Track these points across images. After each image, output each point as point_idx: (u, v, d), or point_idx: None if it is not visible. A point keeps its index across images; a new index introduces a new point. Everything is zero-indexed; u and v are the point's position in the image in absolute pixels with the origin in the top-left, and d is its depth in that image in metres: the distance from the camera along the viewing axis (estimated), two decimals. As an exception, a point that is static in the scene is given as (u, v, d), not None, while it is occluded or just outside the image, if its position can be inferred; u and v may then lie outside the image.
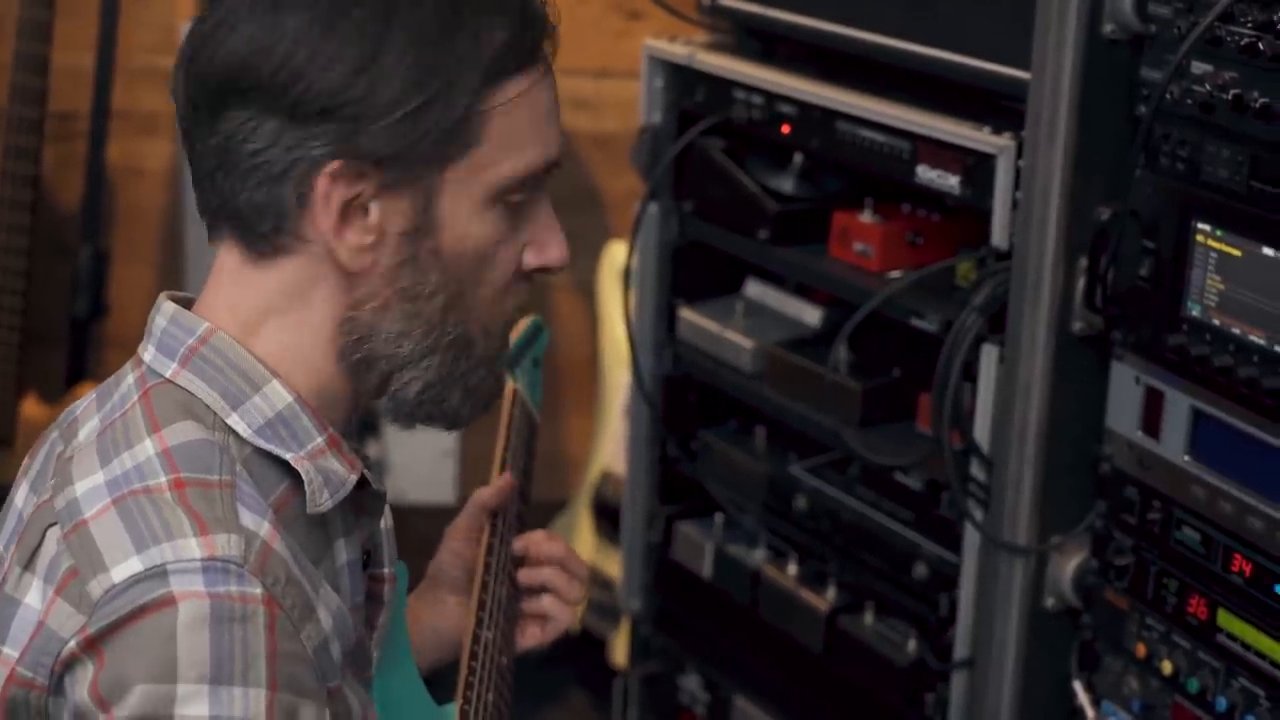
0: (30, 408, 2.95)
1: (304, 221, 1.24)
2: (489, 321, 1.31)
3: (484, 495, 1.66)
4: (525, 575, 1.64)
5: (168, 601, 1.15)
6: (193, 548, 1.17)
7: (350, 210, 1.24)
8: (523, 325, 1.94)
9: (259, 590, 1.17)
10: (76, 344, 3.08)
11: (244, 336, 1.27)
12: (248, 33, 1.23)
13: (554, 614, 1.64)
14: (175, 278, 3.20)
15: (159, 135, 3.19)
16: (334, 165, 1.22)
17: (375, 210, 1.24)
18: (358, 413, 1.33)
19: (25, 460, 1.34)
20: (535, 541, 1.66)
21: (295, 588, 1.21)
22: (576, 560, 1.65)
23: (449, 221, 1.26)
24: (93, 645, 1.16)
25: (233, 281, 1.28)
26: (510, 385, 1.85)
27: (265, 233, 1.25)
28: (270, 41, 1.22)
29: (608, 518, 3.00)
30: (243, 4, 1.24)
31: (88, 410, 1.31)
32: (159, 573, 1.16)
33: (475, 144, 1.24)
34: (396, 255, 1.25)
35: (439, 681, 1.61)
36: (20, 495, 1.31)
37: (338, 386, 1.29)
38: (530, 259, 1.31)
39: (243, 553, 1.18)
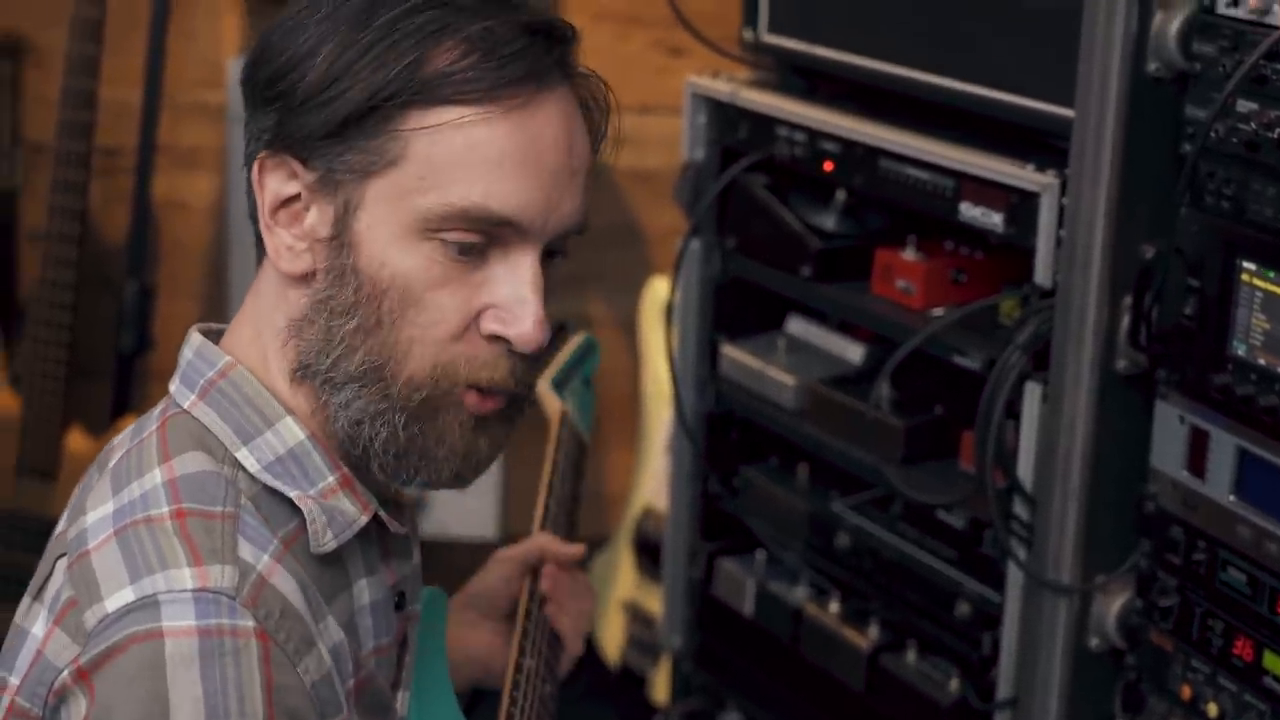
0: (75, 441, 2.97)
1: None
2: (415, 370, 1.24)
3: (551, 544, 1.66)
4: (545, 584, 1.66)
5: (155, 634, 1.14)
6: (185, 578, 1.17)
7: (290, 211, 1.26)
8: (573, 343, 1.94)
9: (250, 623, 1.16)
10: (121, 378, 3.10)
11: (251, 355, 1.29)
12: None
13: (568, 637, 1.65)
14: (219, 312, 3.22)
15: (204, 170, 3.22)
16: (262, 154, 1.26)
17: (311, 214, 1.25)
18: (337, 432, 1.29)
19: (73, 493, 1.35)
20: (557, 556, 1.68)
21: (292, 621, 1.19)
22: (588, 589, 1.68)
23: (366, 239, 1.23)
24: (84, 676, 1.16)
25: (249, 290, 1.32)
26: (558, 406, 1.85)
27: (253, 225, 1.29)
28: (262, 36, 1.28)
29: (649, 554, 3.00)
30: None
31: (122, 442, 1.32)
32: (150, 603, 1.16)
33: (396, 163, 1.22)
34: (324, 263, 1.25)
35: (480, 710, 1.61)
36: (60, 528, 1.32)
37: (304, 403, 1.28)
38: (491, 324, 1.25)
39: (235, 584, 1.17)
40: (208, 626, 1.15)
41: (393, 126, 1.21)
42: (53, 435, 2.95)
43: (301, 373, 1.27)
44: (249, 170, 1.28)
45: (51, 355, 2.94)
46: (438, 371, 1.24)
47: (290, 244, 1.26)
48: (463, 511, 3.39)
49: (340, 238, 1.24)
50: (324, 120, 1.22)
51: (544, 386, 1.85)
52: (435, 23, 1.22)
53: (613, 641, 3.11)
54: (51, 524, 1.34)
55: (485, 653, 1.62)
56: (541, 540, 1.67)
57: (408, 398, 1.24)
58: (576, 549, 1.67)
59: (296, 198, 1.25)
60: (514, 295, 1.24)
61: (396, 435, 1.25)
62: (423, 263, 1.23)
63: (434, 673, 1.49)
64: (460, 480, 1.29)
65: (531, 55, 1.23)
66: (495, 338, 1.25)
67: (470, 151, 1.21)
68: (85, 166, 2.91)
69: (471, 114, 1.21)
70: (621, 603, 3.09)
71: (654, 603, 2.90)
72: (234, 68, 3.14)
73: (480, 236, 1.23)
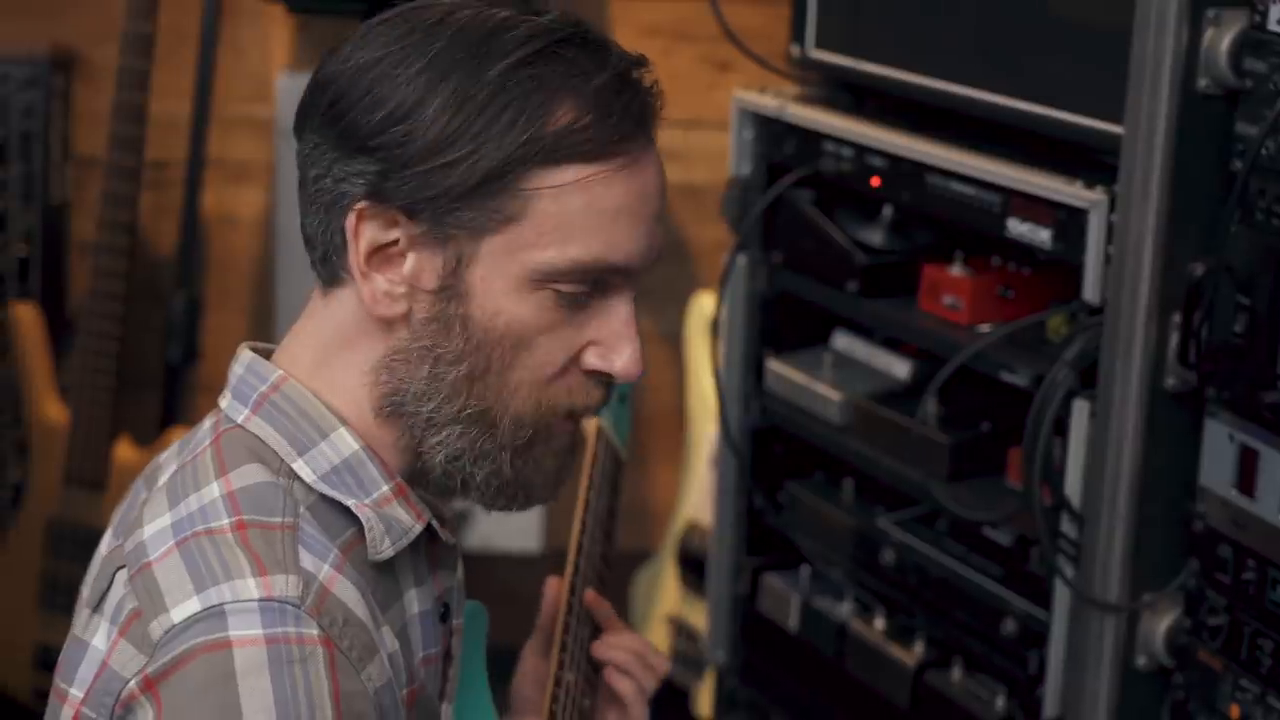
0: (124, 451, 2.98)
1: (347, 255, 1.26)
2: (521, 409, 1.28)
3: (547, 610, 1.63)
4: (600, 650, 1.62)
5: (223, 644, 1.15)
6: (250, 588, 1.17)
7: (384, 255, 1.25)
8: None
9: (316, 631, 1.17)
10: (170, 389, 3.12)
11: (314, 378, 1.29)
12: (334, 60, 1.26)
13: (629, 700, 1.61)
14: (265, 324, 3.24)
15: (252, 184, 3.23)
16: (362, 204, 1.24)
17: (411, 260, 1.25)
18: (423, 464, 1.31)
19: (116, 509, 1.36)
20: (613, 628, 1.63)
21: (355, 629, 1.21)
22: (655, 654, 1.64)
23: (479, 291, 1.25)
24: (151, 686, 1.17)
25: (309, 313, 1.31)
26: (596, 423, 1.85)
27: (321, 259, 1.28)
28: (340, 71, 1.25)
29: (693, 569, 3.00)
30: (356, 35, 1.27)
31: (169, 458, 1.34)
32: (217, 613, 1.17)
33: (515, 220, 1.23)
34: (426, 311, 1.25)
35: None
36: (105, 543, 1.33)
37: (386, 435, 1.29)
38: (593, 360, 1.29)
39: (300, 593, 1.18)
40: (274, 635, 1.16)
41: (515, 187, 1.23)
42: (101, 446, 2.97)
43: (391, 410, 1.28)
44: (325, 212, 1.26)
45: (100, 366, 2.96)
46: (542, 408, 1.28)
47: (388, 289, 1.26)
48: (506, 525, 3.39)
49: (451, 289, 1.25)
50: (446, 184, 1.22)
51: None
52: (549, 80, 1.23)
53: (656, 656, 3.11)
54: (99, 534, 1.35)
55: None
56: (548, 618, 1.64)
57: (514, 435, 1.28)
58: (554, 596, 1.64)
59: (393, 243, 1.25)
60: (616, 333, 1.29)
61: (501, 470, 1.29)
62: (535, 310, 1.25)
63: (475, 686, 1.49)
64: (548, 500, 1.34)
65: (635, 108, 1.26)
66: (594, 371, 1.29)
67: (589, 208, 1.24)
68: (135, 180, 2.94)
69: (591, 172, 1.24)
70: (666, 617, 3.09)
71: (698, 617, 2.90)
72: (283, 82, 3.15)
73: (591, 285, 1.27)
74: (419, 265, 1.25)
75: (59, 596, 2.98)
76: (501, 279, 1.24)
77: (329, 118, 1.25)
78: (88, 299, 2.98)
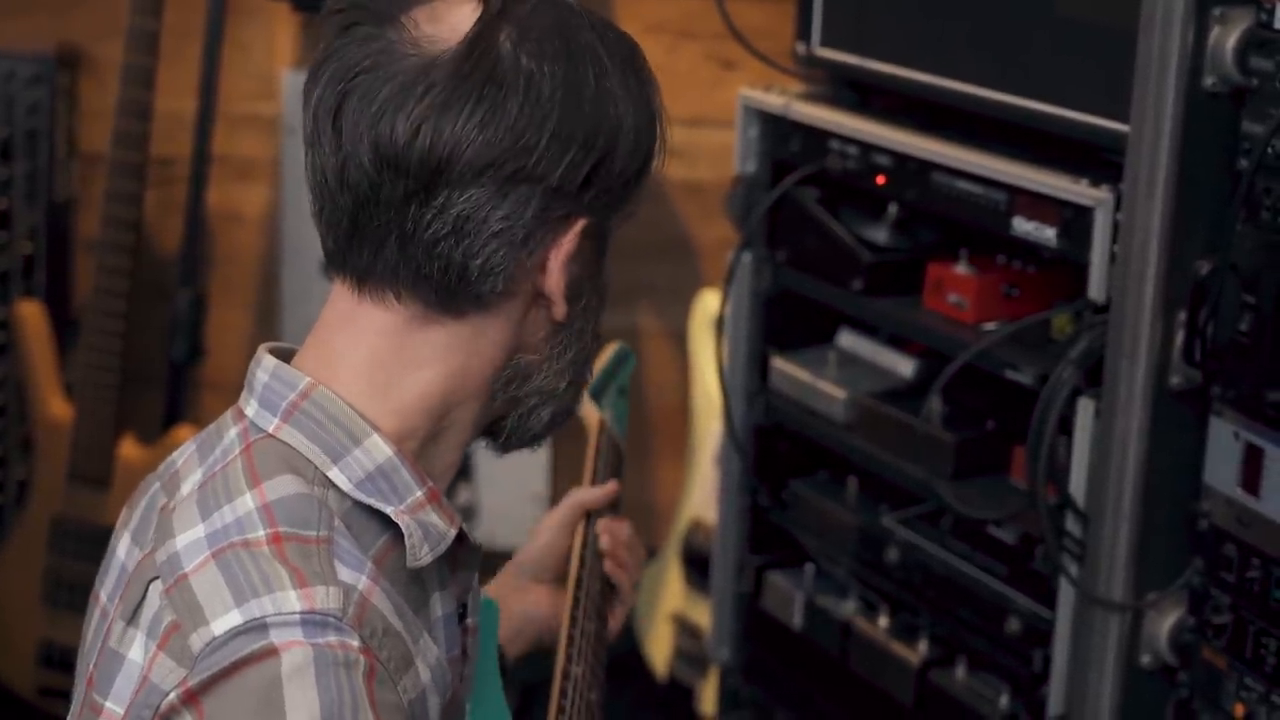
0: (128, 449, 2.98)
1: (526, 278, 1.26)
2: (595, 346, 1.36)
3: (583, 495, 1.71)
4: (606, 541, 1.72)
5: (269, 652, 1.15)
6: (292, 600, 1.17)
7: (567, 262, 1.28)
8: (608, 353, 1.94)
9: (356, 642, 1.17)
10: (174, 386, 3.12)
11: (352, 387, 1.27)
12: (471, 120, 1.21)
13: (624, 588, 1.71)
14: (270, 321, 3.24)
15: (257, 181, 3.23)
16: (584, 224, 1.26)
17: (580, 260, 1.29)
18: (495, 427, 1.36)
19: (124, 511, 1.35)
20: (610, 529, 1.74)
21: (393, 640, 1.21)
22: (635, 544, 1.73)
23: (606, 259, 1.32)
24: (193, 698, 1.16)
25: (384, 338, 1.27)
26: (596, 415, 1.86)
27: (482, 291, 1.25)
28: (503, 128, 1.22)
29: (697, 566, 2.99)
30: (441, 94, 1.21)
31: (189, 462, 1.31)
32: (258, 625, 1.16)
33: (637, 193, 1.30)
34: (580, 299, 1.30)
35: (529, 715, 1.61)
36: (122, 547, 1.31)
37: (465, 433, 1.31)
38: None
39: (341, 605, 1.18)
40: (318, 643, 1.16)
41: (653, 166, 1.31)
42: (105, 443, 2.97)
43: (510, 396, 1.31)
44: (530, 244, 1.25)
45: (105, 364, 2.96)
46: None
47: (565, 290, 1.29)
48: (511, 520, 3.39)
49: (598, 277, 1.32)
50: (633, 189, 1.29)
51: (584, 396, 1.86)
52: (641, 63, 1.30)
53: (661, 653, 3.11)
54: (103, 532, 1.34)
55: (547, 612, 1.67)
56: (576, 496, 1.71)
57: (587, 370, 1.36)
58: (611, 486, 1.74)
59: (578, 250, 1.28)
60: None
61: (566, 407, 1.35)
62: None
63: (488, 682, 1.49)
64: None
65: None
66: None
67: None
68: (140, 177, 2.93)
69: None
70: (670, 615, 3.09)
71: (702, 615, 2.90)
72: (288, 80, 3.15)
73: None
74: (586, 259, 1.29)
75: (63, 593, 2.98)
76: (611, 241, 1.32)
77: (520, 171, 1.23)
78: (92, 296, 2.98)
